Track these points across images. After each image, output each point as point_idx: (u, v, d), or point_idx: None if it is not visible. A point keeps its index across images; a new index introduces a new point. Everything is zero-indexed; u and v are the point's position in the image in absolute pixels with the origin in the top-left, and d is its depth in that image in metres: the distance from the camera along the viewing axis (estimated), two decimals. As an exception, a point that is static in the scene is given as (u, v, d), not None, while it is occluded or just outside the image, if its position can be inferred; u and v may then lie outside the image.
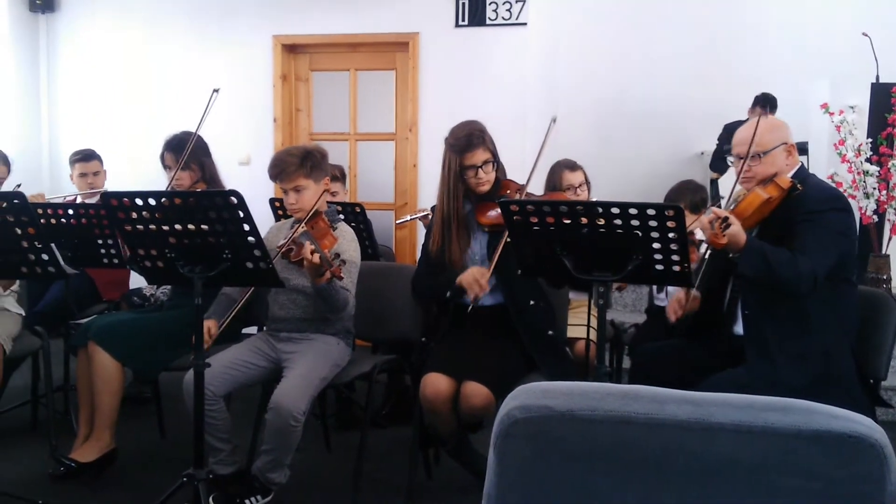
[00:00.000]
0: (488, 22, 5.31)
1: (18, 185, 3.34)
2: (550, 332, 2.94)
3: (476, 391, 2.65)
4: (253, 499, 2.81)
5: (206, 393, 2.67)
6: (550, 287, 2.99)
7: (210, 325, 2.90)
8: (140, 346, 3.19)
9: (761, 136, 2.52)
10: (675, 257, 2.29)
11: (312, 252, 2.63)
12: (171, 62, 5.82)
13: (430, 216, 4.07)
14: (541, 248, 2.44)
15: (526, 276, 2.74)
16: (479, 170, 2.88)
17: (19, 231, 2.68)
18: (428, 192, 5.37)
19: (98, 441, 3.17)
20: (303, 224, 2.89)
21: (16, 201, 2.64)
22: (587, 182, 3.68)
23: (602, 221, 2.29)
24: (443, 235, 2.94)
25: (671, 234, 2.24)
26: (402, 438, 3.47)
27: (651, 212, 2.22)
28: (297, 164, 2.94)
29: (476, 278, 2.78)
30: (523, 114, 5.18)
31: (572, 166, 3.68)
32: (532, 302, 2.92)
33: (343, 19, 5.50)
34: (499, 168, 2.98)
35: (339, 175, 4.16)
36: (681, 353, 2.80)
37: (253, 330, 3.49)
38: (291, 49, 5.69)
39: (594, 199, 2.85)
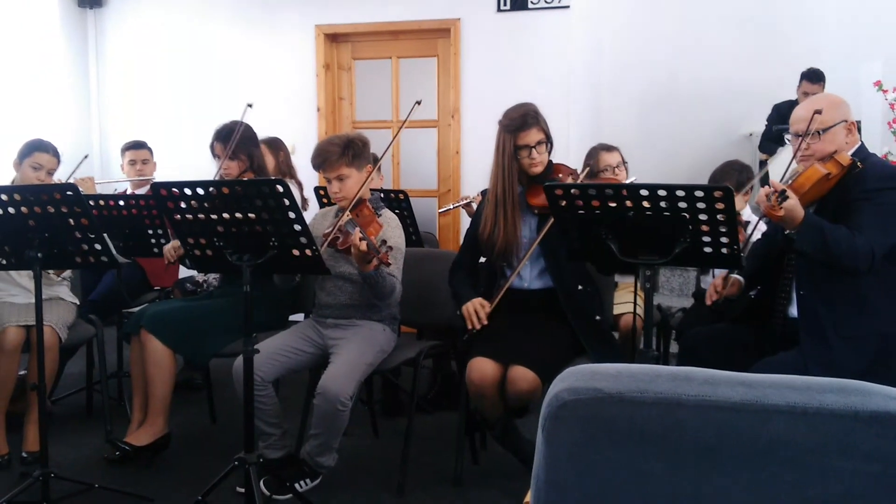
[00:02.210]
0: (531, 6, 5.26)
1: (86, 157, 3.38)
2: (598, 318, 2.92)
3: (523, 375, 2.64)
4: (302, 482, 2.85)
5: (255, 378, 2.71)
6: (599, 273, 2.97)
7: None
8: (191, 333, 3.25)
9: (821, 113, 2.46)
10: (724, 239, 2.25)
11: (360, 240, 2.65)
12: (216, 54, 5.89)
13: (473, 204, 4.08)
14: (586, 233, 2.42)
15: (573, 261, 2.72)
16: (533, 150, 2.86)
17: (73, 222, 2.74)
18: (470, 179, 5.36)
19: (152, 426, 3.25)
20: (347, 212, 2.91)
21: (69, 193, 2.71)
22: (624, 163, 3.66)
23: (648, 204, 2.26)
24: (495, 217, 2.92)
25: (720, 216, 2.20)
26: (448, 424, 3.49)
27: (699, 193, 2.18)
28: (339, 152, 2.96)
29: (475, 312, 2.81)
30: (567, 98, 5.13)
31: (608, 147, 3.67)
32: (580, 287, 2.90)
33: (384, 7, 5.50)
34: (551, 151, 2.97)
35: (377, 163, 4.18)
36: (731, 336, 2.76)
37: (300, 317, 3.53)
38: (334, 38, 5.72)
39: (639, 182, 2.82)
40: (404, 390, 3.88)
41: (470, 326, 2.81)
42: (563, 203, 2.39)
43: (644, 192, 2.24)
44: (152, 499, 2.92)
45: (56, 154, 3.60)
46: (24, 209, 2.70)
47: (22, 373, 3.39)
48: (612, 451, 1.08)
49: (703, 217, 2.22)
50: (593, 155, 3.59)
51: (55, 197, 2.70)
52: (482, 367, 2.71)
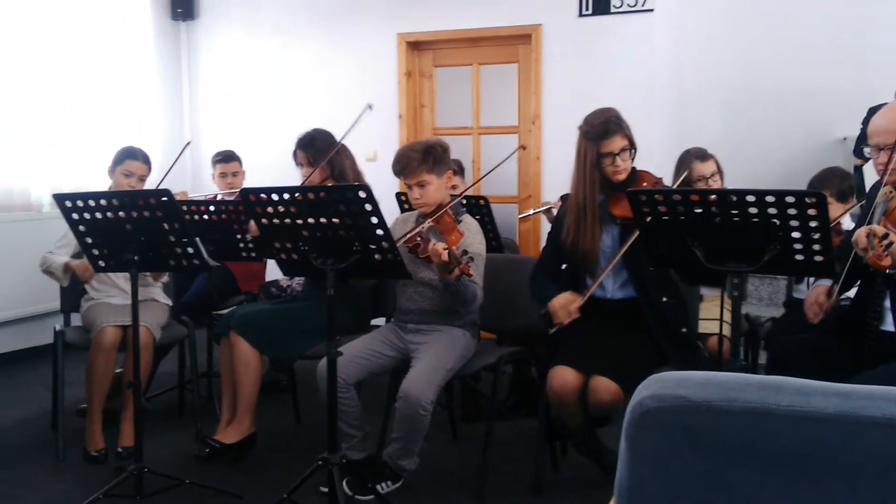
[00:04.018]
0: (613, 10, 5.21)
1: (188, 143, 3.47)
2: (684, 330, 2.85)
3: (604, 386, 2.61)
4: (384, 484, 2.89)
5: (338, 380, 2.76)
6: (683, 283, 2.90)
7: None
8: (276, 335, 3.34)
9: None
10: (816, 247, 2.17)
11: (443, 248, 2.67)
12: (301, 63, 6.04)
13: (553, 210, 4.05)
14: (671, 240, 2.37)
15: (657, 269, 2.67)
16: (617, 157, 2.81)
17: (167, 226, 2.86)
18: (551, 185, 5.33)
19: (239, 425, 3.35)
20: (429, 220, 2.93)
21: (163, 199, 2.83)
22: (720, 171, 3.54)
23: (736, 211, 2.20)
24: (577, 226, 2.87)
25: (812, 223, 2.13)
26: (528, 430, 3.47)
27: (790, 199, 2.12)
28: (419, 159, 2.99)
29: (564, 306, 2.75)
30: (650, 103, 5.05)
31: (702, 156, 3.55)
32: (664, 298, 2.83)
33: (465, 14, 5.54)
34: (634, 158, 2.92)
35: (457, 169, 4.20)
36: (823, 348, 2.65)
37: (381, 321, 3.57)
38: (415, 46, 5.78)
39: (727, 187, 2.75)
40: (484, 396, 3.88)
41: (557, 321, 2.75)
42: (647, 209, 2.35)
43: (732, 198, 2.19)
44: (241, 495, 3.01)
45: (146, 161, 3.76)
46: (121, 214, 2.84)
47: (118, 371, 3.55)
48: (697, 460, 1.06)
49: (794, 224, 2.15)
50: (686, 163, 3.49)
51: (150, 202, 2.82)
52: (563, 376, 2.69)
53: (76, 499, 2.91)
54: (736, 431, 1.04)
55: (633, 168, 2.90)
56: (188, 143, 3.67)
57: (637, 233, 2.65)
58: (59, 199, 2.89)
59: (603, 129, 2.80)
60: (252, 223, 3.46)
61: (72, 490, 3.09)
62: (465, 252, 2.75)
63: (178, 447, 3.52)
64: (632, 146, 2.85)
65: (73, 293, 3.68)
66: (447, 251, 2.66)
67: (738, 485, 1.05)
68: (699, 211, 2.25)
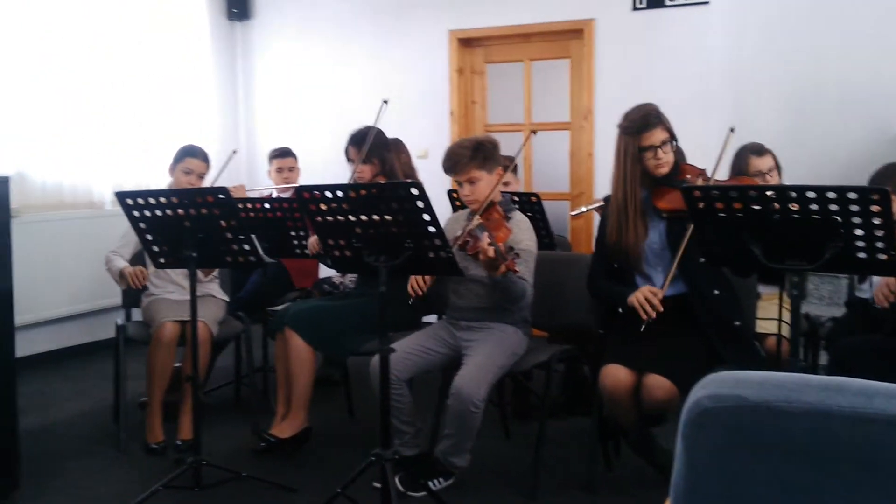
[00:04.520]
0: (667, 3, 5.13)
1: (234, 152, 3.54)
2: (737, 323, 2.80)
3: (658, 384, 2.58)
4: (436, 481, 2.91)
5: (391, 377, 2.78)
6: (736, 276, 2.84)
7: (419, 277, 3.04)
8: (330, 331, 3.38)
9: None
10: (880, 244, 2.11)
11: (488, 245, 2.67)
12: (354, 61, 6.10)
13: (605, 207, 4.01)
14: (727, 236, 2.33)
15: (710, 265, 2.63)
16: (658, 150, 2.78)
17: (224, 223, 2.92)
18: (604, 181, 5.25)
19: (294, 419, 3.40)
20: (477, 216, 2.94)
21: (220, 196, 2.88)
22: (777, 167, 3.46)
23: (796, 207, 2.15)
24: (619, 224, 2.85)
25: (876, 220, 2.07)
26: (581, 429, 3.45)
27: (852, 195, 2.06)
28: (469, 156, 2.99)
29: (648, 298, 2.70)
30: (705, 98, 4.96)
31: (759, 150, 3.48)
32: (716, 291, 2.79)
33: (517, 10, 5.51)
34: (678, 152, 2.87)
35: (509, 165, 4.18)
36: (886, 349, 2.58)
37: (433, 318, 3.59)
38: (467, 43, 5.78)
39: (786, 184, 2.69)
40: (536, 394, 3.87)
41: (645, 317, 2.70)
42: (702, 205, 2.31)
43: (791, 194, 2.14)
44: (295, 489, 3.06)
45: (206, 159, 3.84)
46: (180, 211, 2.91)
47: (177, 365, 3.63)
48: (756, 461, 1.04)
49: (856, 220, 2.09)
50: (742, 158, 3.42)
51: (208, 200, 2.88)
52: (616, 374, 2.67)
53: (137, 489, 2.99)
54: (796, 432, 1.02)
55: (677, 161, 2.85)
56: (234, 152, 3.73)
57: (690, 228, 2.61)
58: (121, 196, 2.97)
59: (643, 122, 2.78)
60: (312, 240, 3.52)
61: (133, 481, 3.17)
62: (511, 249, 2.74)
63: (234, 440, 3.59)
64: (672, 138, 2.82)
65: (133, 289, 3.77)
66: (493, 248, 2.66)
67: (797, 486, 1.03)
68: (757, 207, 2.21)
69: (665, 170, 2.81)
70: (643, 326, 2.70)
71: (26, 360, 4.37)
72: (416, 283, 3.03)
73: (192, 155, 3.80)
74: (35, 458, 3.32)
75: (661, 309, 2.69)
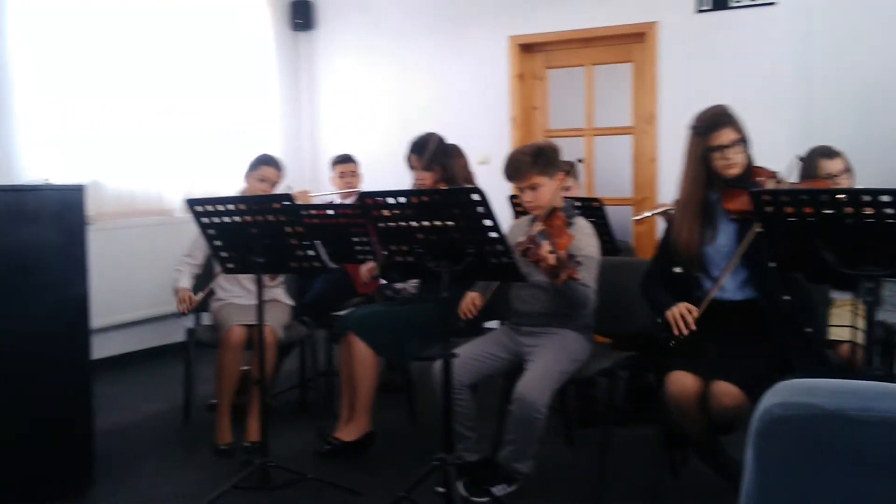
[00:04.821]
0: (732, 4, 5.03)
1: (290, 188, 3.67)
2: (808, 330, 2.73)
3: (726, 391, 2.52)
4: (499, 486, 2.90)
5: (453, 382, 2.79)
6: (808, 282, 2.77)
7: (475, 297, 3.06)
8: (393, 336, 3.41)
9: None
10: (959, 248, 2.03)
11: (549, 253, 2.66)
12: (416, 68, 6.15)
13: (669, 212, 3.95)
14: (798, 241, 2.27)
15: (781, 270, 2.57)
16: (728, 150, 2.73)
17: (289, 229, 2.98)
18: (667, 186, 5.19)
19: (358, 423, 3.44)
20: (539, 222, 2.93)
21: (286, 203, 2.95)
22: (849, 170, 3.37)
23: (870, 211, 2.09)
24: (687, 225, 2.81)
25: (956, 223, 1.99)
26: (646, 437, 3.40)
27: (930, 198, 1.99)
28: (530, 162, 2.99)
29: (683, 314, 2.68)
30: (773, 100, 4.84)
31: (829, 153, 3.39)
32: (786, 297, 2.72)
33: (578, 15, 5.48)
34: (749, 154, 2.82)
35: (570, 170, 4.16)
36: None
37: (495, 324, 3.59)
38: (527, 48, 5.77)
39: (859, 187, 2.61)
40: (599, 401, 3.83)
41: (676, 332, 2.68)
42: (771, 209, 2.26)
43: (865, 198, 2.08)
44: (360, 492, 3.10)
45: (280, 168, 3.93)
46: (247, 218, 2.98)
47: (245, 368, 3.72)
48: (829, 470, 1.02)
49: (934, 224, 2.02)
50: (812, 161, 3.34)
51: (273, 206, 2.94)
52: (682, 382, 2.62)
53: (206, 489, 3.07)
54: (871, 442, 0.99)
55: (749, 164, 2.80)
56: (290, 189, 3.80)
57: (755, 229, 2.56)
58: (191, 203, 3.06)
59: (712, 122, 2.74)
60: (364, 270, 3.57)
61: (202, 481, 3.25)
62: (572, 256, 2.73)
63: (300, 443, 3.65)
64: (744, 139, 2.76)
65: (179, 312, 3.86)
66: (554, 255, 2.65)
67: (871, 497, 1.00)
68: (829, 211, 2.15)
69: (735, 171, 2.76)
70: (673, 343, 2.68)
71: (101, 362, 4.52)
72: (467, 308, 3.03)
73: (267, 164, 3.89)
74: (109, 457, 3.43)
75: (694, 328, 2.67)
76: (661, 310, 2.79)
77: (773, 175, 2.82)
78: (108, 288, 4.59)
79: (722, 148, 2.73)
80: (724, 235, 2.81)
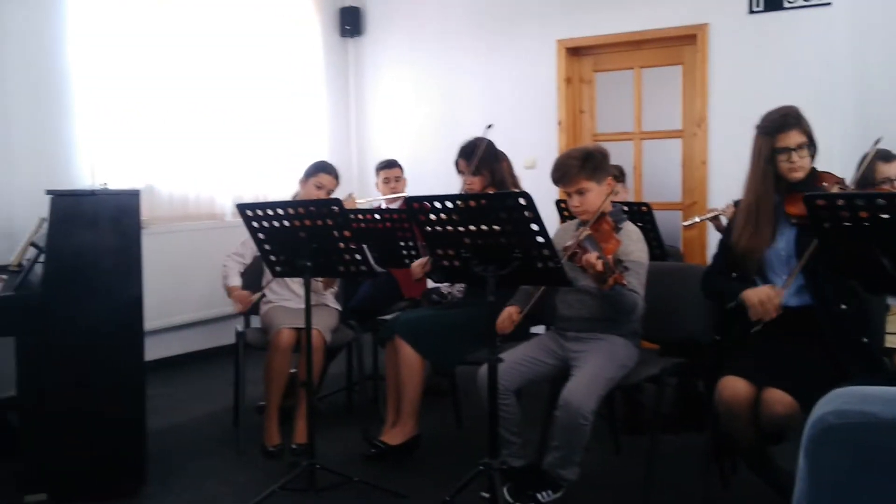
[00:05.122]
0: (786, 5, 4.94)
1: (490, 126, 3.59)
2: (865, 340, 2.65)
3: (778, 398, 2.47)
4: (544, 493, 2.88)
5: (498, 387, 2.78)
6: (866, 291, 2.69)
7: (512, 311, 3.04)
8: (438, 341, 3.42)
9: None
10: None
11: (597, 258, 2.64)
12: (463, 73, 6.17)
13: (721, 217, 3.89)
14: (853, 247, 2.22)
15: (837, 277, 2.50)
16: (793, 153, 2.67)
17: (337, 234, 3.01)
18: (718, 190, 5.12)
19: (403, 427, 3.45)
20: (587, 227, 2.91)
21: (334, 208, 2.98)
22: None
23: (929, 215, 2.03)
24: (747, 227, 2.75)
25: None
26: (695, 445, 3.35)
27: None
28: (578, 166, 2.97)
29: (764, 300, 2.59)
30: (828, 103, 4.73)
31: (887, 156, 3.31)
32: (843, 306, 2.65)
33: (626, 17, 5.44)
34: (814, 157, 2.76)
35: (618, 175, 4.13)
36: None
37: (541, 329, 3.57)
38: (575, 52, 5.75)
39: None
40: (647, 408, 3.79)
41: (758, 317, 2.59)
42: (826, 214, 2.21)
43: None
44: (405, 495, 3.11)
45: (337, 176, 3.98)
46: (296, 222, 3.02)
47: (293, 371, 3.76)
48: (885, 481, 0.99)
49: None
50: (869, 164, 3.26)
51: (322, 211, 2.98)
52: (734, 387, 2.57)
53: (255, 490, 3.11)
54: (930, 453, 0.96)
55: (813, 168, 2.74)
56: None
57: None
58: (241, 208, 3.11)
59: (780, 122, 2.68)
60: (415, 266, 3.58)
61: (251, 482, 3.30)
62: (619, 261, 2.70)
63: (346, 446, 3.67)
64: (811, 143, 2.70)
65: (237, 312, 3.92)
66: (601, 261, 2.62)
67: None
68: (886, 217, 2.09)
69: (799, 175, 2.70)
70: (754, 329, 2.60)
71: (154, 363, 4.62)
72: (503, 324, 3.01)
73: (325, 171, 3.94)
74: (161, 457, 3.50)
75: (774, 314, 2.58)
76: (733, 293, 2.70)
77: (839, 181, 2.75)
78: (160, 291, 4.69)
79: (788, 150, 2.68)
80: (784, 239, 2.75)
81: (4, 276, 3.51)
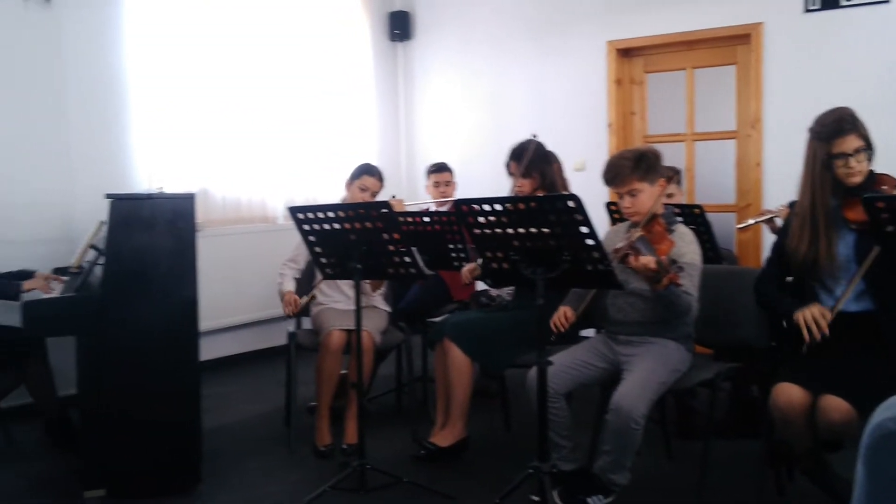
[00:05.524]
0: (843, 3, 4.82)
1: (534, 136, 3.59)
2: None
3: (836, 406, 2.41)
4: (595, 497, 2.85)
5: (548, 390, 2.77)
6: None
7: (566, 311, 3.03)
8: (488, 343, 3.42)
9: None
10: None
11: (649, 258, 2.61)
12: (512, 75, 6.16)
13: (776, 219, 3.81)
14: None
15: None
16: (850, 158, 2.60)
17: (386, 236, 3.03)
18: (773, 192, 5.01)
19: (452, 429, 3.47)
20: (639, 229, 2.88)
21: (384, 210, 3.00)
22: None
23: None
24: (803, 233, 2.69)
25: None
26: (750, 452, 3.29)
27: None
28: (630, 167, 2.94)
29: (816, 318, 2.54)
30: (887, 103, 4.60)
31: None
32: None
33: (678, 18, 5.37)
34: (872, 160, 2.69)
35: (673, 176, 4.07)
36: None
37: (591, 332, 3.54)
38: (626, 53, 5.69)
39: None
40: (700, 413, 3.73)
41: (808, 338, 2.54)
42: (886, 217, 2.15)
43: None
44: (454, 497, 3.11)
45: (381, 178, 4.02)
46: (346, 225, 3.05)
47: (343, 372, 3.80)
48: (950, 491, 0.96)
49: None
50: None
51: (372, 214, 3.01)
52: (789, 394, 2.52)
53: (306, 489, 3.15)
54: None
55: (871, 171, 2.67)
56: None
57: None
58: (293, 211, 3.16)
59: (836, 127, 2.61)
60: (465, 271, 3.59)
61: (302, 481, 3.34)
62: (674, 262, 2.67)
63: (396, 447, 3.70)
64: (868, 147, 2.63)
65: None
66: (655, 261, 2.60)
67: None
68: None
69: (857, 179, 2.63)
70: (805, 348, 2.55)
71: (208, 363, 4.71)
72: (560, 321, 3.00)
73: (369, 174, 3.98)
74: (214, 455, 3.57)
75: (827, 332, 2.52)
76: (787, 312, 2.65)
77: None
78: (214, 292, 4.77)
79: (845, 156, 2.61)
80: (843, 245, 2.68)
81: (65, 278, 3.62)
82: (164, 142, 4.97)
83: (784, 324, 2.64)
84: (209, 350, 4.74)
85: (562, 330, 3.03)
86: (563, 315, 3.04)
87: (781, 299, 2.74)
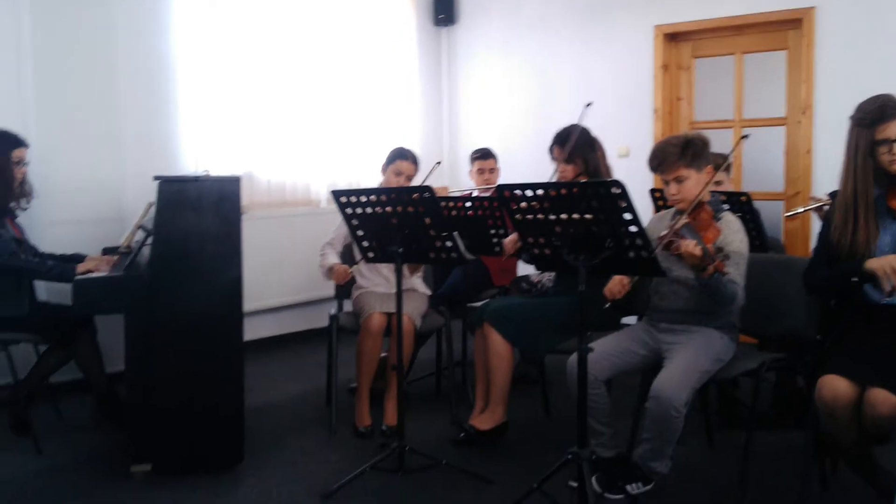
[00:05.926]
0: (900, -15, 4.68)
1: (438, 163, 3.60)
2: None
3: (883, 399, 2.36)
4: (634, 485, 2.84)
5: (588, 376, 2.76)
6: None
7: (622, 278, 2.91)
8: (528, 328, 3.41)
9: None
10: None
11: (695, 245, 2.57)
12: (556, 60, 6.10)
13: (825, 207, 3.73)
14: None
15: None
16: (894, 145, 2.54)
17: (428, 221, 3.04)
18: (823, 180, 4.90)
19: (492, 413, 3.47)
20: (685, 216, 2.84)
21: (426, 195, 3.01)
22: None
23: None
24: (846, 222, 2.63)
25: None
26: (794, 443, 3.24)
27: None
28: (677, 153, 2.90)
29: (893, 266, 2.43)
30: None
31: None
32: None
33: (728, 2, 5.26)
34: None
35: (722, 163, 3.99)
36: None
37: (632, 320, 3.51)
38: (673, 38, 5.60)
39: None
40: (743, 403, 3.68)
41: (888, 287, 2.42)
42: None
43: None
44: (492, 480, 3.13)
45: (415, 162, 4.02)
46: (388, 209, 3.06)
47: (384, 354, 3.83)
48: None
49: None
50: None
51: (413, 198, 3.01)
52: (835, 386, 2.47)
53: (346, 469, 3.19)
54: None
55: None
56: (438, 163, 3.85)
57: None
58: (336, 194, 3.18)
59: (879, 113, 2.54)
60: (508, 240, 3.56)
61: (342, 460, 3.38)
62: (720, 249, 2.62)
63: (435, 429, 3.72)
64: None
65: (338, 285, 3.98)
66: (700, 247, 2.56)
67: None
68: None
69: None
70: (888, 295, 2.44)
71: (251, 343, 4.77)
72: (614, 288, 2.95)
73: (403, 157, 3.99)
74: (257, 434, 3.63)
75: None
76: (854, 270, 2.53)
77: None
78: (258, 274, 4.84)
79: (889, 142, 2.54)
80: (886, 234, 2.61)
81: (115, 258, 3.70)
82: (211, 126, 5.03)
83: (855, 279, 2.53)
84: (252, 331, 4.81)
85: (617, 297, 2.96)
86: (619, 282, 2.95)
87: (842, 267, 2.63)
